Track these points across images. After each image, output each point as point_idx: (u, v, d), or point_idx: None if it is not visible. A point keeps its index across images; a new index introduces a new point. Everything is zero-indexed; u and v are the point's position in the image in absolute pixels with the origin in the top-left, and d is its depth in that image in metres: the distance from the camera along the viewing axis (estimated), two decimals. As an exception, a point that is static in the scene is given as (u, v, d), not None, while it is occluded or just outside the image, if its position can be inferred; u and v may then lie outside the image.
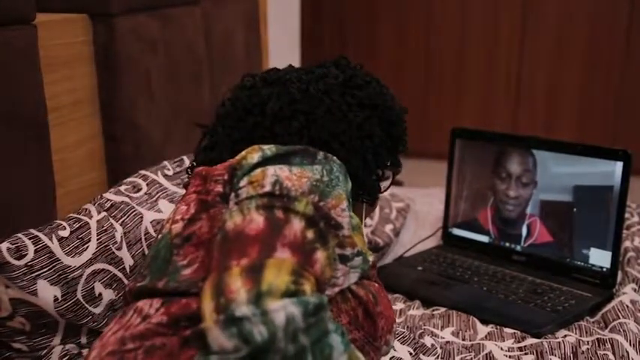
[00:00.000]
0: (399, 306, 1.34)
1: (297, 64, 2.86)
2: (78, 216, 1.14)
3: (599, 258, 1.41)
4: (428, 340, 1.17)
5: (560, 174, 1.46)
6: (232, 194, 0.85)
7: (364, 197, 1.05)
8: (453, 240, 1.64)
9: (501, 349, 1.16)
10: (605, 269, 1.40)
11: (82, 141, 1.30)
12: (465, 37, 3.60)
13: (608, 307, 1.30)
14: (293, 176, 0.84)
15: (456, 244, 1.62)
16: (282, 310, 0.68)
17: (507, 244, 1.54)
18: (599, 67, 3.43)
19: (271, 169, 0.84)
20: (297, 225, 0.79)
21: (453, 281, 1.43)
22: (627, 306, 1.28)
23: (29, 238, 1.05)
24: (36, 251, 1.05)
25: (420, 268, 1.51)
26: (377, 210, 1.67)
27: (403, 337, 1.14)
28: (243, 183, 0.84)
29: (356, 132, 1.00)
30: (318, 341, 0.70)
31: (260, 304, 0.68)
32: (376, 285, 0.96)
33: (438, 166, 2.12)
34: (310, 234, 0.79)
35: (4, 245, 1.02)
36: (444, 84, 3.68)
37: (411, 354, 1.07)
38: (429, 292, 1.39)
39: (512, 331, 1.23)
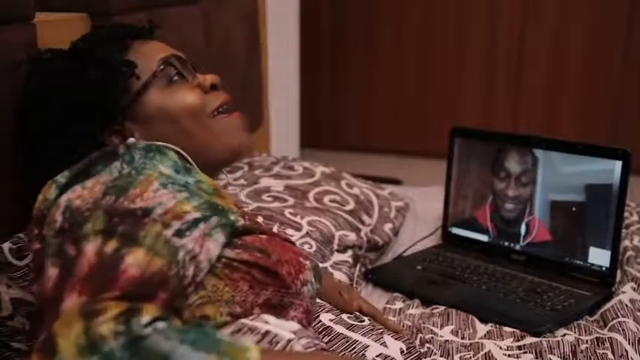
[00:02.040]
0: (398, 305, 1.34)
1: (296, 63, 2.87)
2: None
3: (599, 257, 1.41)
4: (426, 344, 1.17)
5: (560, 173, 1.46)
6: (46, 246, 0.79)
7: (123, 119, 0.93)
8: (452, 239, 1.64)
9: (500, 348, 1.16)
10: (604, 268, 1.40)
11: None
12: (465, 36, 3.60)
13: (608, 306, 1.30)
14: (85, 192, 0.78)
15: (455, 243, 1.62)
16: None
17: (506, 244, 1.55)
18: (599, 66, 3.43)
19: (63, 198, 0.79)
20: (90, 249, 0.72)
21: (453, 280, 1.43)
22: (626, 305, 1.28)
23: (30, 238, 1.05)
24: (36, 251, 1.05)
25: (419, 267, 1.51)
26: (376, 209, 1.67)
27: (399, 335, 1.14)
28: (45, 229, 0.79)
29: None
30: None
31: None
32: (263, 236, 0.89)
33: (437, 165, 2.12)
34: (111, 246, 0.72)
35: (6, 245, 1.03)
36: (444, 83, 3.68)
37: (402, 351, 1.07)
38: (428, 291, 1.39)
39: (511, 330, 1.23)
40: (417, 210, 1.85)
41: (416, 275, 1.47)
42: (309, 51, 3.41)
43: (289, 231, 1.39)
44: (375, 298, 1.40)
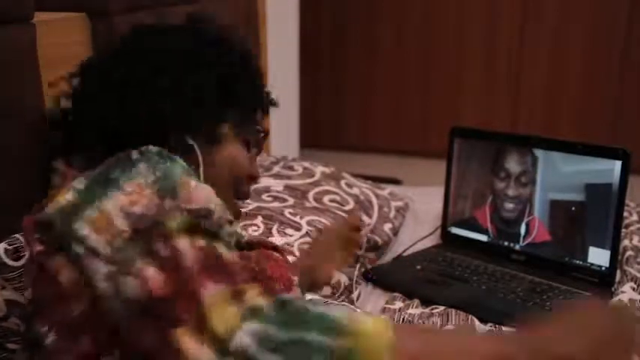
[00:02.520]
0: (398, 305, 1.33)
1: (296, 63, 2.87)
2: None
3: (598, 257, 1.41)
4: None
5: (559, 173, 1.46)
6: (76, 245, 0.76)
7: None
8: (451, 239, 1.64)
9: (500, 347, 1.16)
10: (603, 268, 1.40)
11: (81, 140, 1.30)
12: (465, 36, 3.60)
13: (607, 305, 1.30)
14: (133, 196, 0.76)
15: (454, 243, 1.62)
16: (244, 334, 0.65)
17: (506, 243, 1.54)
18: (599, 66, 3.43)
19: (109, 205, 0.76)
20: (185, 246, 0.73)
21: (452, 280, 1.43)
22: (626, 305, 1.28)
23: (27, 239, 1.05)
24: (34, 252, 1.04)
25: (418, 267, 1.51)
26: (376, 209, 1.67)
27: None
28: (84, 230, 0.75)
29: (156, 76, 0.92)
30: (306, 321, 0.66)
31: (226, 348, 0.65)
32: (253, 252, 0.90)
33: (437, 165, 2.12)
34: (200, 241, 0.74)
35: (2, 246, 1.02)
36: (444, 83, 3.68)
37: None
38: (427, 291, 1.38)
39: (511, 329, 1.23)
40: (417, 210, 1.85)
41: (415, 275, 1.47)
42: (308, 51, 3.41)
43: (289, 231, 1.39)
44: (375, 297, 1.40)
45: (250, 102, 1.00)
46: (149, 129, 0.89)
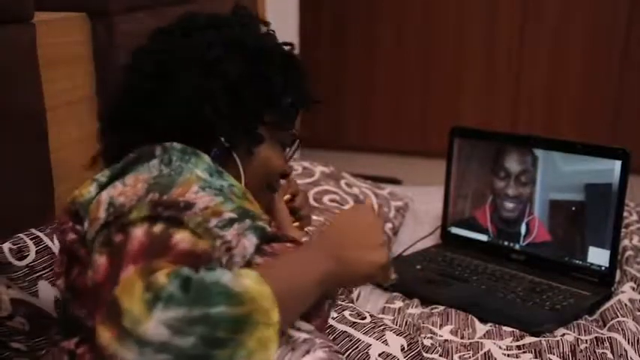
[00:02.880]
0: (397, 304, 1.33)
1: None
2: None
3: (598, 257, 1.41)
4: (427, 341, 1.17)
5: (559, 173, 1.46)
6: (87, 240, 0.81)
7: (234, 146, 0.96)
8: (451, 239, 1.64)
9: (500, 347, 1.16)
10: (603, 268, 1.40)
11: (81, 139, 1.30)
12: (465, 36, 3.60)
13: (607, 305, 1.30)
14: (127, 188, 0.80)
15: (454, 242, 1.62)
16: (157, 325, 0.64)
17: (506, 243, 1.55)
18: (599, 65, 3.43)
19: (104, 195, 0.81)
20: (138, 233, 0.75)
21: (452, 280, 1.43)
22: (625, 304, 1.28)
23: (31, 239, 1.05)
24: (37, 252, 1.05)
25: (418, 266, 1.51)
26: (376, 209, 1.67)
27: (400, 331, 1.14)
28: (86, 225, 0.81)
29: (204, 70, 0.93)
30: (210, 296, 0.67)
31: (137, 339, 0.64)
32: (289, 245, 0.91)
33: (437, 165, 2.12)
34: (157, 228, 0.75)
35: (6, 245, 1.03)
36: (444, 83, 3.68)
37: (403, 348, 1.07)
38: (427, 291, 1.39)
39: (510, 329, 1.23)
40: (417, 210, 1.85)
41: (415, 275, 1.47)
42: (308, 51, 3.41)
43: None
44: (375, 297, 1.40)
45: (289, 104, 1.00)
46: (190, 129, 0.91)
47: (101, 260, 0.75)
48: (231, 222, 0.82)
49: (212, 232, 0.79)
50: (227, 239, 0.80)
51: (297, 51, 1.06)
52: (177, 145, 0.86)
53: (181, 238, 0.75)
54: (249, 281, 0.70)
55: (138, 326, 0.64)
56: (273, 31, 1.04)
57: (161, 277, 0.67)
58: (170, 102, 0.92)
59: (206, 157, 0.87)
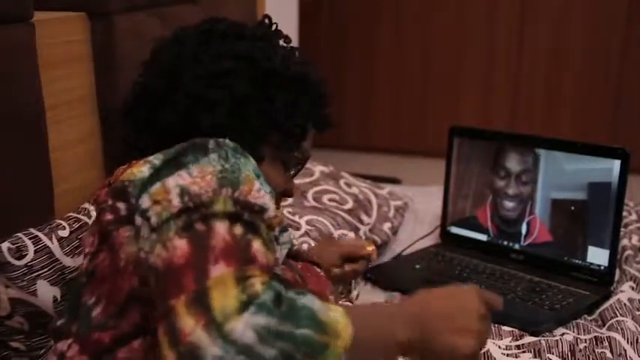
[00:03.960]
0: None
1: (295, 63, 2.86)
2: (77, 215, 1.15)
3: (597, 256, 1.41)
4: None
5: (559, 172, 1.46)
6: (138, 218, 0.79)
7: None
8: (451, 238, 1.64)
9: (499, 347, 1.16)
10: (603, 267, 1.40)
11: (80, 139, 1.30)
12: (464, 35, 3.60)
13: (606, 305, 1.30)
14: (196, 179, 0.79)
15: (454, 242, 1.62)
16: (246, 328, 0.65)
17: (505, 243, 1.55)
18: (598, 65, 3.43)
19: (171, 181, 0.79)
20: (221, 228, 0.74)
21: (451, 279, 1.43)
22: (625, 304, 1.28)
23: (29, 238, 1.05)
24: (36, 251, 1.05)
25: (418, 266, 1.51)
26: (375, 209, 1.67)
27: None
28: (146, 203, 0.79)
29: (209, 80, 0.93)
30: (300, 317, 0.68)
31: (224, 335, 0.64)
32: (299, 264, 0.93)
33: (436, 165, 2.12)
34: (238, 229, 0.75)
35: (5, 245, 1.03)
36: (443, 83, 3.69)
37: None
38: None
39: (510, 329, 1.23)
40: (416, 209, 1.85)
41: (414, 274, 1.47)
42: (308, 51, 3.40)
43: (308, 250, 1.39)
44: (374, 297, 1.40)
45: (295, 127, 0.99)
46: (189, 135, 0.89)
47: (180, 243, 0.73)
48: (284, 230, 0.85)
49: (274, 246, 0.81)
50: (277, 255, 0.83)
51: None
52: (229, 143, 0.85)
53: (257, 248, 0.75)
54: (337, 315, 0.71)
55: (228, 322, 0.64)
56: (294, 48, 1.03)
57: (257, 284, 0.68)
58: (170, 106, 0.93)
59: (252, 160, 0.86)
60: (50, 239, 1.07)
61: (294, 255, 0.90)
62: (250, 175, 0.82)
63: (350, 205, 1.61)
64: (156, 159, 0.83)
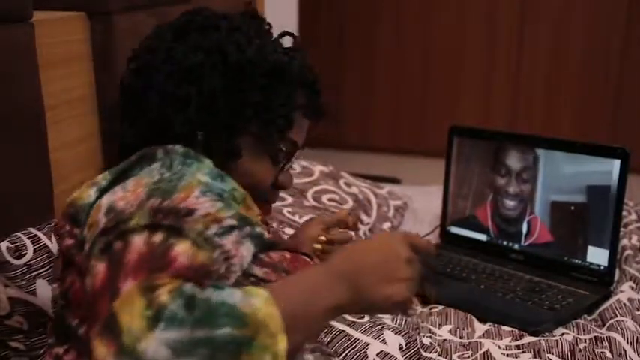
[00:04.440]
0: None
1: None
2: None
3: (597, 256, 1.41)
4: (426, 340, 1.17)
5: (559, 172, 1.46)
6: (85, 246, 0.79)
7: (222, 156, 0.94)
8: (450, 238, 1.64)
9: (499, 347, 1.16)
10: (602, 267, 1.40)
11: (80, 139, 1.30)
12: (464, 35, 3.60)
13: (606, 305, 1.30)
14: (127, 194, 0.78)
15: (453, 242, 1.62)
16: (158, 345, 0.62)
17: (505, 242, 1.55)
18: (598, 65, 3.43)
19: (104, 200, 0.79)
20: (137, 241, 0.73)
21: (451, 279, 1.43)
22: (624, 304, 1.28)
23: (29, 238, 1.05)
24: (35, 250, 1.05)
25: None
26: (375, 208, 1.67)
27: (399, 329, 1.14)
28: (85, 230, 0.79)
29: (180, 76, 0.92)
30: (215, 317, 0.65)
31: (136, 357, 0.62)
32: (287, 255, 0.90)
33: (436, 165, 2.12)
34: (158, 237, 0.73)
35: (4, 244, 1.03)
36: (443, 82, 3.68)
37: (401, 347, 1.07)
38: (426, 291, 1.38)
39: (509, 329, 1.23)
40: (416, 209, 1.85)
41: (414, 274, 1.46)
42: (308, 51, 3.40)
43: (288, 230, 1.39)
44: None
45: (279, 117, 0.96)
46: (167, 133, 0.90)
47: (100, 267, 0.73)
48: (230, 229, 0.80)
49: (212, 242, 0.77)
50: (226, 248, 0.78)
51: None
52: (179, 149, 0.85)
53: (182, 249, 0.73)
54: (258, 302, 0.68)
55: (138, 344, 0.62)
56: (286, 33, 1.02)
57: (163, 294, 0.65)
58: (146, 104, 0.93)
59: (208, 161, 0.85)
60: (49, 239, 1.07)
61: (271, 245, 0.88)
62: (192, 183, 0.80)
63: (350, 204, 1.61)
64: (103, 179, 0.83)
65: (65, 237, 0.84)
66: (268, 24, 1.03)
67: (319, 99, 1.03)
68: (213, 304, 0.65)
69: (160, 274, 0.69)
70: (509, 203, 1.53)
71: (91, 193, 0.82)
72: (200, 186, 0.81)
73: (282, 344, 0.67)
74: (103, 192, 0.82)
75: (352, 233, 1.29)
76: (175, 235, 0.74)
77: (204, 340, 0.63)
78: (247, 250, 0.81)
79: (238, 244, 0.80)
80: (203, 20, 0.98)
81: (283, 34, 1.05)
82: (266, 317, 0.67)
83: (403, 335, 1.10)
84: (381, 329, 1.10)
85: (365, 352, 1.05)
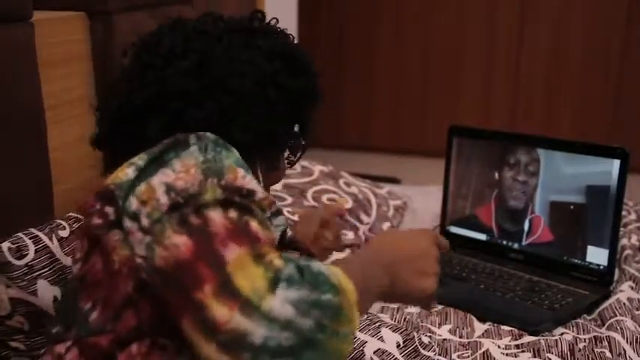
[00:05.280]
0: (396, 303, 1.34)
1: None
2: (77, 215, 1.14)
3: (597, 256, 1.41)
4: (425, 338, 1.17)
5: (558, 172, 1.46)
6: (127, 220, 0.78)
7: (260, 159, 0.97)
8: (450, 238, 1.62)
9: (498, 346, 1.16)
10: (602, 267, 1.40)
11: (80, 139, 1.30)
12: (464, 35, 3.60)
13: (605, 304, 1.30)
14: (180, 174, 0.79)
15: (453, 241, 1.62)
16: (283, 303, 0.65)
17: (505, 242, 1.55)
18: (598, 65, 3.43)
19: (155, 180, 0.79)
20: (216, 216, 0.73)
21: (451, 279, 1.43)
22: (624, 304, 1.28)
23: (30, 238, 1.05)
24: (36, 251, 1.05)
25: (417, 266, 1.50)
26: (375, 208, 1.67)
27: (397, 327, 1.14)
28: (134, 205, 0.78)
29: (255, 74, 0.92)
30: (320, 283, 0.69)
31: (264, 314, 0.64)
32: (296, 253, 0.93)
33: (436, 164, 2.12)
34: (233, 213, 0.74)
35: (5, 245, 1.03)
36: (443, 82, 3.69)
37: (399, 345, 1.08)
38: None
39: (509, 328, 1.23)
40: (416, 209, 1.85)
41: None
42: (307, 50, 3.41)
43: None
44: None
45: (291, 139, 1.01)
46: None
47: (181, 240, 0.72)
48: (277, 213, 0.85)
49: (268, 225, 0.79)
50: (274, 236, 0.81)
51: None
52: (210, 135, 0.85)
53: (255, 226, 0.75)
54: (339, 275, 0.72)
55: (264, 301, 0.64)
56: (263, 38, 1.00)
57: (275, 259, 0.69)
58: (129, 110, 0.92)
59: (235, 151, 0.85)
60: (50, 239, 1.07)
61: (290, 242, 0.89)
62: (232, 165, 0.81)
63: (349, 204, 1.61)
64: (140, 159, 0.83)
65: (94, 215, 0.83)
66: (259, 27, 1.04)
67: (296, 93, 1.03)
68: (315, 272, 0.70)
69: (260, 244, 0.72)
70: (518, 193, 1.52)
71: (129, 172, 0.82)
72: (241, 168, 0.82)
73: (357, 318, 0.71)
74: (140, 171, 0.81)
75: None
76: (247, 213, 0.76)
77: (317, 301, 0.67)
78: (275, 237, 0.85)
79: (274, 232, 0.84)
80: (267, 26, 1.01)
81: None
82: (349, 289, 0.71)
83: (401, 333, 1.10)
84: (378, 327, 1.11)
85: (362, 350, 1.05)
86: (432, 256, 0.85)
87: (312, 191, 1.61)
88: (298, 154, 1.06)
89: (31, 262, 1.03)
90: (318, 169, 1.74)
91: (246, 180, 0.80)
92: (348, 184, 1.71)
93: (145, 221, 0.76)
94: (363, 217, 1.61)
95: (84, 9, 1.30)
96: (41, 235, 1.07)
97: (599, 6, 3.37)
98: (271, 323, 0.63)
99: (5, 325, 1.04)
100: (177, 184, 0.77)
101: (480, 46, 3.59)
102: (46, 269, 1.05)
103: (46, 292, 1.03)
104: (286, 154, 1.06)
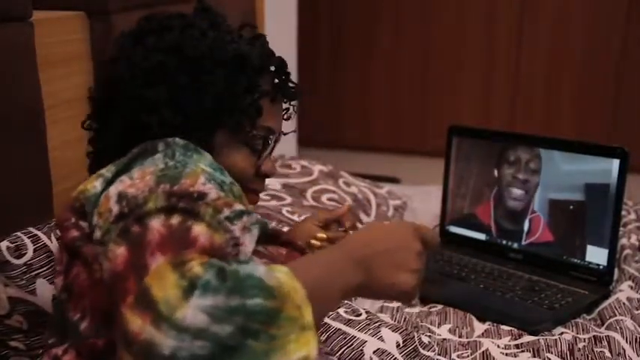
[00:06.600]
0: (396, 303, 1.34)
1: (294, 62, 2.86)
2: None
3: (596, 255, 1.41)
4: (425, 338, 1.17)
5: (558, 171, 1.46)
6: (95, 233, 0.80)
7: (226, 135, 0.96)
8: (450, 237, 1.64)
9: (498, 346, 1.16)
10: (601, 267, 1.40)
11: (79, 139, 1.30)
12: (464, 35, 3.60)
13: (605, 304, 1.30)
14: (135, 182, 0.80)
15: (453, 241, 1.62)
16: (196, 312, 0.63)
17: (505, 242, 1.55)
18: (598, 65, 3.43)
19: (112, 189, 0.80)
20: (156, 223, 0.74)
21: (450, 278, 1.43)
22: (624, 303, 1.28)
23: (28, 237, 1.06)
24: (35, 250, 1.05)
25: (417, 265, 1.50)
26: (374, 208, 1.67)
27: (396, 327, 1.14)
28: (95, 219, 0.81)
29: (147, 77, 0.92)
30: (246, 288, 0.66)
31: (174, 324, 0.63)
32: (282, 251, 0.91)
33: (435, 164, 2.12)
34: (175, 219, 0.75)
35: (4, 244, 1.03)
36: (442, 82, 3.68)
37: (398, 345, 1.07)
38: (426, 290, 1.38)
39: (509, 328, 1.23)
40: (415, 208, 1.85)
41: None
42: (307, 50, 3.41)
43: (287, 229, 1.39)
44: (373, 296, 1.40)
45: (249, 105, 0.96)
46: (146, 134, 0.90)
47: (119, 251, 0.74)
48: (241, 213, 0.81)
49: (224, 226, 0.78)
50: (235, 235, 0.79)
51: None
52: (179, 141, 0.86)
53: (199, 231, 0.74)
54: (281, 276, 0.69)
55: (175, 312, 0.63)
56: (246, 25, 1.02)
57: (195, 266, 0.67)
58: (117, 112, 0.93)
59: (207, 154, 0.86)
60: (49, 238, 1.07)
61: (272, 236, 0.88)
62: (197, 170, 0.81)
63: (349, 204, 1.61)
64: (108, 171, 0.84)
65: (70, 229, 0.84)
66: (222, 16, 1.03)
67: (287, 82, 1.03)
68: (242, 275, 0.67)
69: (188, 251, 0.71)
70: (518, 192, 1.52)
71: (97, 185, 0.83)
72: (204, 173, 0.82)
73: (308, 316, 0.68)
74: (108, 183, 0.83)
75: (351, 233, 1.29)
76: (192, 218, 0.75)
77: (239, 308, 0.65)
78: (251, 240, 0.82)
79: (244, 232, 0.81)
80: (157, 23, 0.98)
81: (243, 25, 1.05)
82: (291, 290, 0.68)
83: (400, 333, 1.10)
84: (378, 327, 1.11)
85: (361, 349, 1.05)
86: (411, 250, 0.80)
87: (311, 191, 1.61)
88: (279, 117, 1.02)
89: (29, 261, 1.04)
90: (317, 168, 1.74)
91: (206, 186, 0.80)
92: (347, 184, 1.71)
93: (98, 234, 0.78)
94: (363, 216, 1.61)
95: (83, 9, 1.30)
96: (40, 234, 1.07)
97: (598, 6, 3.37)
98: (181, 334, 0.62)
99: (4, 324, 1.04)
100: (129, 192, 0.78)
101: (479, 46, 3.59)
102: (45, 268, 1.05)
103: (45, 291, 1.04)
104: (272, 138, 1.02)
